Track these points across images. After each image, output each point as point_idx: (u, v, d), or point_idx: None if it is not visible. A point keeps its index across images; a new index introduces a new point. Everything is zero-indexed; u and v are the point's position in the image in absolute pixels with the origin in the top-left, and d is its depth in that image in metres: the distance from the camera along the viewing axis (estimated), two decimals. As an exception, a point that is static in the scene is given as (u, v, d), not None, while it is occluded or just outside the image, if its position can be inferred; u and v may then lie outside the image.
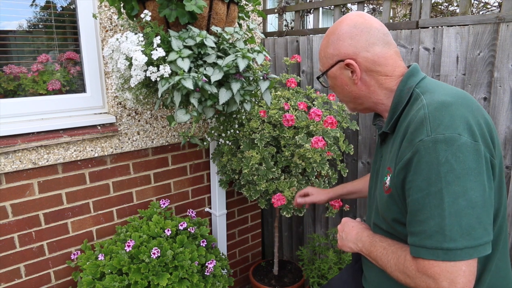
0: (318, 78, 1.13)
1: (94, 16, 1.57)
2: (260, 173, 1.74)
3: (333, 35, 1.05)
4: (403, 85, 0.98)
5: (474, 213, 0.78)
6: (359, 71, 1.01)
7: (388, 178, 0.96)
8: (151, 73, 1.31)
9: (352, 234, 1.12)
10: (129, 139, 1.93)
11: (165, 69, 1.29)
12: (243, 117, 1.84)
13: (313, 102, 1.95)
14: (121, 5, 1.45)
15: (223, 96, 1.36)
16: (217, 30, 1.41)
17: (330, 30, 1.07)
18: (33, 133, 1.65)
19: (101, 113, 1.91)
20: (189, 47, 1.36)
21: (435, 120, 0.83)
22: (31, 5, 1.71)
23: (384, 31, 1.02)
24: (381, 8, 3.92)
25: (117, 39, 1.39)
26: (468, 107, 0.85)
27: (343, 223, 1.18)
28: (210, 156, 2.14)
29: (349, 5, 3.85)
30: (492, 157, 0.84)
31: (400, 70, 1.02)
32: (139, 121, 1.95)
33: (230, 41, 1.44)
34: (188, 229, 1.88)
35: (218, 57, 1.38)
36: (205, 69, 1.35)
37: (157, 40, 1.31)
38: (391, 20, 2.19)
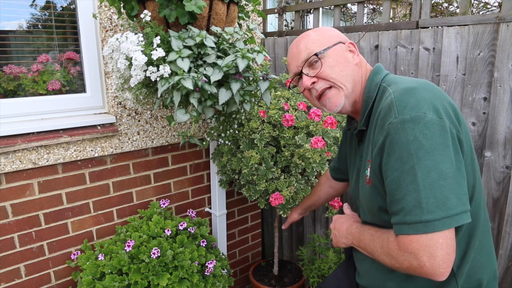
0: (316, 54, 1.02)
1: (94, 16, 1.57)
2: (259, 173, 1.74)
3: (316, 31, 1.09)
4: (371, 82, 1.04)
5: (446, 184, 0.81)
6: (357, 51, 1.07)
7: (368, 170, 0.99)
8: (151, 73, 1.31)
9: (342, 229, 1.14)
10: (129, 139, 1.93)
11: (165, 69, 1.29)
12: (243, 117, 1.84)
13: (313, 102, 1.94)
14: (121, 5, 1.45)
15: (223, 96, 1.37)
16: (217, 30, 1.41)
17: (308, 32, 1.09)
18: (33, 133, 1.66)
19: (101, 113, 1.91)
20: (189, 47, 1.36)
21: (401, 103, 0.88)
22: (31, 5, 1.71)
23: None
24: (381, 8, 3.91)
25: (117, 39, 1.39)
26: (431, 92, 0.90)
27: (334, 221, 1.21)
28: (210, 156, 2.14)
29: (349, 5, 3.85)
30: (458, 133, 0.88)
31: (367, 65, 1.10)
32: (139, 121, 1.95)
33: (230, 41, 1.44)
34: (188, 229, 1.88)
35: (218, 57, 1.38)
36: (204, 69, 1.35)
37: (157, 40, 1.31)
38: (391, 20, 2.19)
